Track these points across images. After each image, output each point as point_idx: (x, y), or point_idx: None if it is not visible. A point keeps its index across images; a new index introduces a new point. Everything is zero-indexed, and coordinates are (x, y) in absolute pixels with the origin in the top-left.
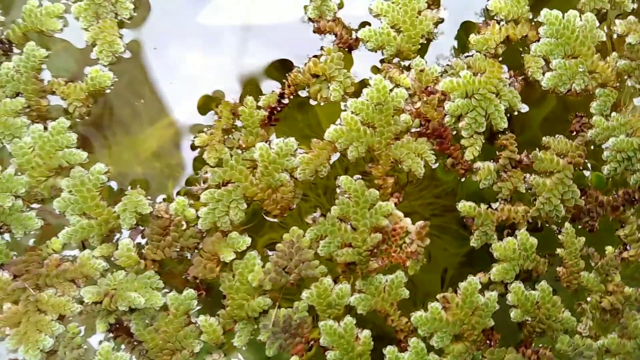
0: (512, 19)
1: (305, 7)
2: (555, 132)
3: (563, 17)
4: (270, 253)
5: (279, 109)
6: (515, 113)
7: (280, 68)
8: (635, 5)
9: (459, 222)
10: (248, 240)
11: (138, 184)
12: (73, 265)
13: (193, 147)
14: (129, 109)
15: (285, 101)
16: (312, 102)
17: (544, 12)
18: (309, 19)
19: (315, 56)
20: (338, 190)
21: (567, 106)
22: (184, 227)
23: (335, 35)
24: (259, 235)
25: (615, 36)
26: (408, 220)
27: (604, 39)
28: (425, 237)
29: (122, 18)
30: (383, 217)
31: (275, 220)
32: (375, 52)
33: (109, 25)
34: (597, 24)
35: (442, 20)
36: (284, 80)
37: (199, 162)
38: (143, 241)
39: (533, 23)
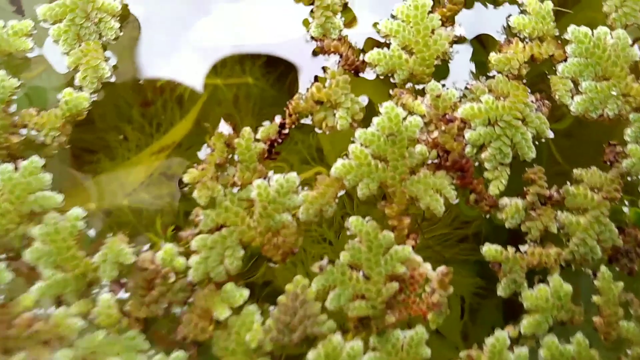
0: (537, 37)
1: (304, 20)
2: (584, 161)
3: (592, 35)
4: (271, 308)
5: (279, 140)
6: (543, 140)
7: (281, 92)
8: None
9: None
10: (246, 293)
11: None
12: (46, 325)
13: (181, 184)
14: (115, 134)
15: (286, 132)
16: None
17: (572, 29)
18: (312, 37)
19: (318, 80)
20: (348, 233)
21: (597, 132)
22: (172, 279)
23: (341, 56)
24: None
25: None
26: (428, 265)
27: (638, 58)
28: (449, 285)
29: (107, 39)
30: (399, 263)
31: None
32: (385, 76)
33: (93, 47)
34: (630, 41)
35: (458, 39)
36: (284, 109)
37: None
38: (126, 296)
39: (559, 41)
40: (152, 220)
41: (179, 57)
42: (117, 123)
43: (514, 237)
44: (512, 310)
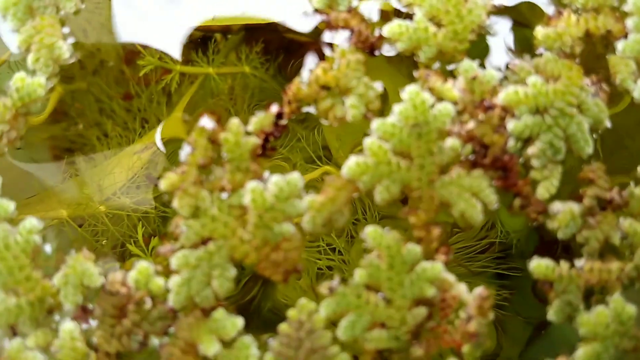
0: (592, 7)
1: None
2: None
3: None
4: (270, 340)
5: (276, 134)
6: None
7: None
8: None
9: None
10: (239, 322)
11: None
12: None
13: (155, 194)
14: (94, 130)
15: (285, 123)
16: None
17: None
18: (315, 10)
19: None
20: (364, 246)
21: None
22: (149, 305)
23: (352, 31)
24: None
25: None
26: (462, 286)
27: None
28: (489, 310)
29: (65, 13)
30: (428, 283)
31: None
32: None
33: (48, 22)
34: None
35: (497, 9)
36: (282, 95)
37: None
38: (94, 325)
39: (617, 14)
40: (133, 229)
41: (165, 39)
42: (97, 118)
43: (547, 247)
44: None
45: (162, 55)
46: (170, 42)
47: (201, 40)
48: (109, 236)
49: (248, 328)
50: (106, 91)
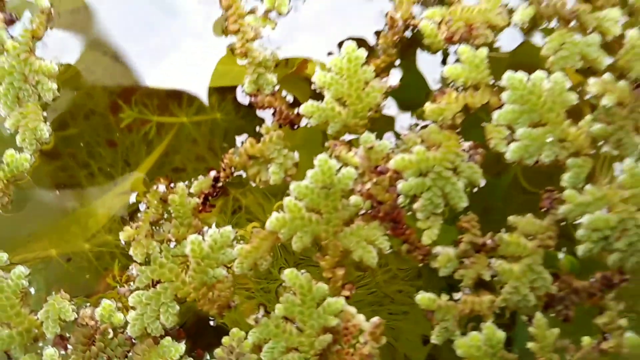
0: (471, 85)
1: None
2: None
3: (528, 81)
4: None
5: (214, 194)
6: (475, 189)
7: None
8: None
9: None
10: (181, 347)
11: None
12: None
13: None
14: (84, 172)
15: (220, 185)
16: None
17: (507, 75)
18: (246, 93)
19: (255, 134)
20: (284, 285)
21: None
22: (111, 334)
23: (275, 110)
24: None
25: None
26: (361, 317)
27: (576, 102)
28: (381, 336)
29: (45, 100)
30: (332, 315)
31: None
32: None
33: (32, 109)
34: (568, 84)
35: (392, 89)
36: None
37: None
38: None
39: (495, 88)
40: (111, 264)
41: (141, 96)
42: (86, 160)
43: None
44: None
45: (142, 108)
46: None
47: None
48: (92, 270)
49: None
50: (94, 137)
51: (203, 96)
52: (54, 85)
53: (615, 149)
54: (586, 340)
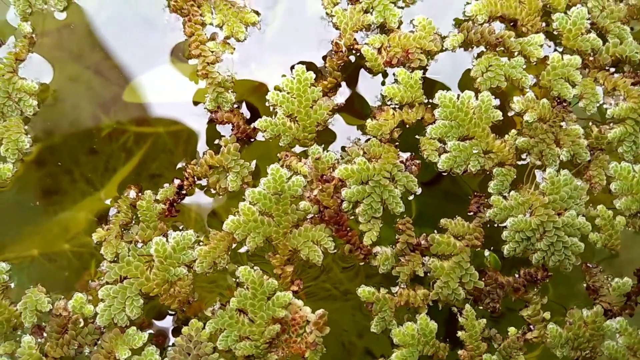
0: (407, 103)
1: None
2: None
3: (458, 99)
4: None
5: (178, 201)
6: (410, 197)
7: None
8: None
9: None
10: (145, 336)
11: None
12: None
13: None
14: (67, 178)
15: (184, 192)
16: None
17: (439, 94)
18: (206, 109)
19: (216, 145)
20: (237, 281)
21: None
22: (82, 324)
23: (233, 125)
24: None
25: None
26: (307, 309)
27: (501, 118)
28: (324, 326)
29: (27, 115)
30: (281, 308)
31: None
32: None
33: (14, 123)
34: (495, 102)
35: (338, 107)
36: (183, 172)
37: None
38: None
39: (429, 105)
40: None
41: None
42: (70, 168)
43: None
44: None
45: (121, 119)
46: None
47: None
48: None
49: None
50: (77, 146)
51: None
52: (34, 102)
53: (537, 160)
54: (512, 330)
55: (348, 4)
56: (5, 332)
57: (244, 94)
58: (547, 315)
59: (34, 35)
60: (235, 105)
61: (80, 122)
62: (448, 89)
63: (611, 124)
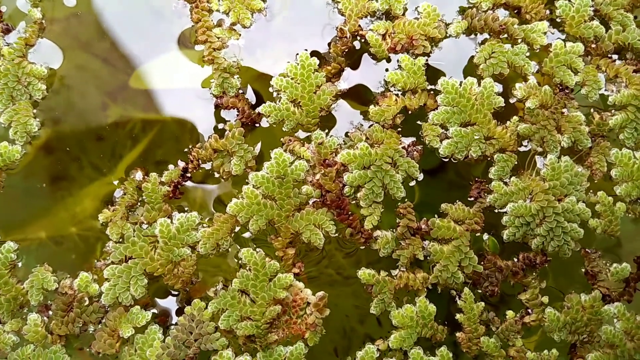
0: (410, 89)
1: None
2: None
3: (460, 85)
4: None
5: (183, 183)
6: (412, 183)
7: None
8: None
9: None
10: (148, 314)
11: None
12: None
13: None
14: (75, 164)
15: (189, 175)
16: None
17: (441, 80)
18: (212, 94)
19: (221, 130)
20: (240, 262)
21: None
22: (87, 302)
23: (238, 110)
24: None
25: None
26: (308, 291)
27: (503, 104)
28: (324, 308)
29: (35, 99)
30: (282, 289)
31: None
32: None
33: (23, 106)
34: (498, 89)
35: (342, 92)
36: (188, 155)
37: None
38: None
39: (432, 92)
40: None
41: (127, 96)
42: (78, 154)
43: None
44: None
45: (128, 107)
46: None
47: None
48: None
49: None
50: (84, 133)
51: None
52: (43, 86)
53: (539, 146)
54: (510, 313)
55: None
56: (12, 309)
57: (249, 79)
58: (545, 299)
59: (43, 21)
60: (241, 91)
61: (87, 109)
62: (451, 76)
63: (613, 111)
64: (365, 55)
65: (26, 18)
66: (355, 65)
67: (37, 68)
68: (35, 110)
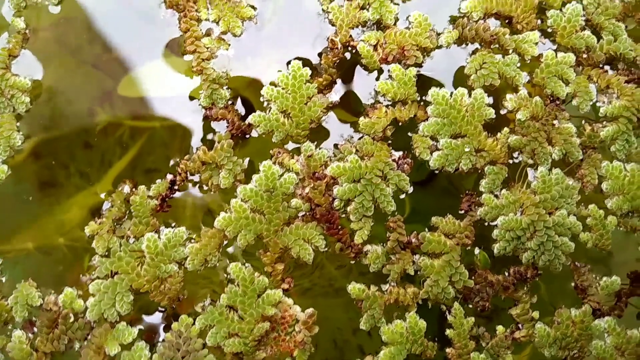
0: (400, 100)
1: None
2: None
3: (451, 96)
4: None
5: (171, 196)
6: (402, 196)
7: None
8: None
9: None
10: (134, 331)
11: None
12: None
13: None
14: (63, 172)
15: (177, 188)
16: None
17: (431, 91)
18: (201, 106)
19: (209, 141)
20: (228, 277)
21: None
22: (72, 319)
23: (228, 122)
24: None
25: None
26: (297, 308)
27: (493, 116)
28: (313, 326)
29: (19, 112)
30: (271, 306)
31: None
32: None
33: (7, 120)
34: (488, 100)
35: (333, 105)
36: (176, 167)
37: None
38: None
39: (422, 103)
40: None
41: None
42: (66, 162)
43: None
44: None
45: (116, 113)
46: None
47: None
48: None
49: None
50: (73, 140)
51: None
52: (27, 99)
53: (529, 158)
54: (500, 329)
55: (344, 0)
56: None
57: (240, 88)
58: (535, 314)
59: (27, 31)
60: (230, 102)
61: (75, 116)
62: (442, 86)
63: (604, 122)
64: (357, 66)
65: (9, 28)
66: (346, 78)
67: (20, 80)
68: (18, 124)
